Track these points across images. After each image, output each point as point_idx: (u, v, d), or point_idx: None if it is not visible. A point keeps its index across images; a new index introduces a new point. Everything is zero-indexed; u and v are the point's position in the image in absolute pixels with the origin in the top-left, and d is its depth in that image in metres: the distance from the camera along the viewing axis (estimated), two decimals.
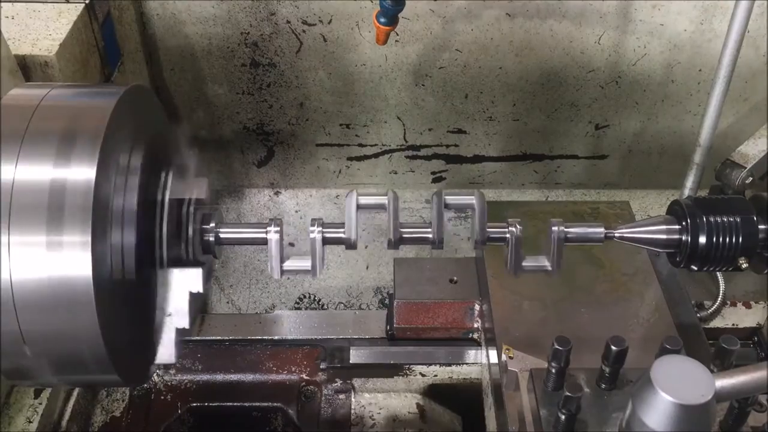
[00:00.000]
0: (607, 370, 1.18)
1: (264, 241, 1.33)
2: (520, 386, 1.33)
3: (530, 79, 2.50)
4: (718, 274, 2.04)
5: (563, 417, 1.10)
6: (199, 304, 1.37)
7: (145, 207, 1.23)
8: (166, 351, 1.25)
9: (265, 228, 1.33)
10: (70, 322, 1.06)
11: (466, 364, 2.00)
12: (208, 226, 1.33)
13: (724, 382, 0.93)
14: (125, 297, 1.17)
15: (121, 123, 1.15)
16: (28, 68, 1.84)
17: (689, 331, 1.77)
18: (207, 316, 2.15)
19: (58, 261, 1.03)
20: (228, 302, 2.67)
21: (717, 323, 2.04)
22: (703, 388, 0.92)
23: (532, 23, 2.36)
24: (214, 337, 2.09)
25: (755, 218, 1.32)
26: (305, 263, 1.31)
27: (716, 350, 1.16)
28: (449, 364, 2.01)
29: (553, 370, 1.20)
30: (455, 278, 2.05)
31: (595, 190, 2.83)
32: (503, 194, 2.82)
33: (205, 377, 2.05)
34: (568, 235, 1.32)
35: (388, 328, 2.03)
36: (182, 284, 1.29)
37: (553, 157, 2.73)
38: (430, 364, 2.01)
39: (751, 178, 1.97)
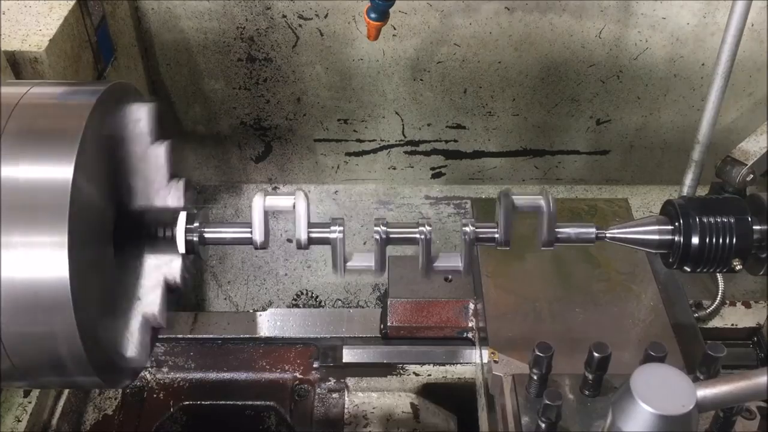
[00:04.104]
0: (590, 376, 1.15)
1: (249, 241, 1.31)
2: (504, 391, 1.30)
3: (530, 74, 2.47)
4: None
5: (543, 425, 1.08)
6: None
7: (126, 207, 1.21)
8: (136, 352, 1.22)
9: (250, 227, 1.30)
10: (48, 324, 1.04)
11: (461, 363, 1.97)
12: (191, 226, 1.29)
13: (707, 391, 0.90)
14: (105, 298, 1.15)
15: (101, 121, 1.13)
16: (18, 64, 1.83)
17: (686, 332, 1.73)
18: (200, 314, 2.13)
19: (35, 262, 1.01)
20: (225, 298, 2.67)
21: (716, 323, 2.00)
22: (684, 398, 0.89)
23: (531, 17, 2.33)
24: (206, 336, 2.08)
25: (749, 219, 1.28)
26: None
27: (702, 357, 1.14)
28: (443, 364, 1.98)
29: (535, 377, 1.17)
30: (450, 277, 2.03)
31: (597, 185, 2.79)
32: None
33: (198, 375, 2.03)
34: (559, 235, 1.27)
35: (382, 326, 2.01)
36: (158, 271, 1.27)
37: (554, 152, 2.70)
38: (424, 364, 1.99)
39: (752, 176, 1.93)
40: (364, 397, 2.00)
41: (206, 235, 1.31)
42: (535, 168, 2.75)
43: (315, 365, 2.03)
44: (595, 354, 1.12)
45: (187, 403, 2.00)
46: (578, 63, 2.44)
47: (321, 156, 2.72)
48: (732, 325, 2.00)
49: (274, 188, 2.80)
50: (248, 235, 1.30)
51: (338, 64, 2.46)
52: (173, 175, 1.28)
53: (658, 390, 0.90)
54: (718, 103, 1.91)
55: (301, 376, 2.03)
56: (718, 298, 1.99)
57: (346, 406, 1.98)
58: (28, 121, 1.09)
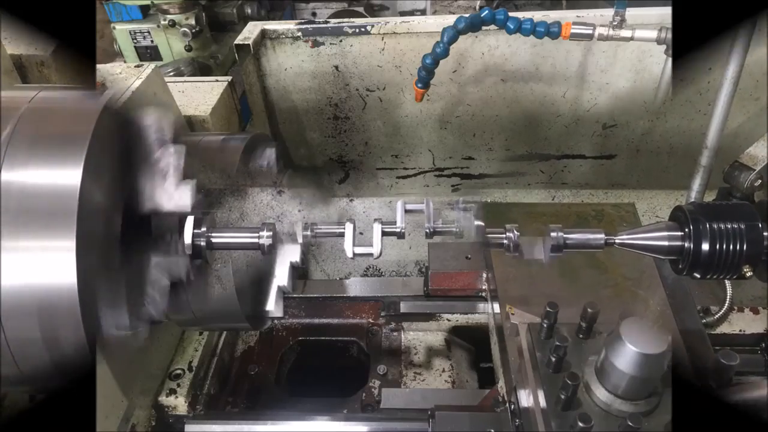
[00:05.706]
0: (584, 325, 1.05)
1: (256, 246, 0.94)
2: (520, 333, 1.20)
3: (517, 123, 2.34)
4: None
5: (554, 358, 0.98)
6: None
7: (134, 212, 0.88)
8: (274, 308, 1.14)
9: (258, 232, 0.94)
10: (55, 329, 0.74)
11: (478, 313, 1.89)
12: (199, 230, 0.91)
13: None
14: (112, 302, 0.83)
15: (109, 127, 0.81)
16: (191, 123, 1.80)
17: (694, 338, 1.27)
18: (307, 282, 2.09)
19: (43, 266, 0.71)
20: (321, 270, 2.61)
21: (724, 329, 1.46)
22: (660, 344, 0.79)
23: (518, 85, 2.21)
24: (312, 295, 2.04)
25: (760, 225, 0.90)
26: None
27: (714, 365, 0.87)
28: (466, 313, 1.91)
29: (545, 325, 1.07)
30: (469, 256, 1.94)
31: (603, 190, 2.11)
32: (509, 194, 2.28)
33: (307, 320, 1.99)
34: (568, 241, 0.96)
35: (425, 289, 1.94)
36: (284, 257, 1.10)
37: (560, 156, 2.09)
38: (454, 313, 1.91)
39: (760, 181, 1.37)
40: (414, 335, 1.93)
41: (214, 240, 0.94)
42: (541, 172, 2.19)
43: (382, 314, 1.97)
44: (589, 310, 1.02)
45: (300, 338, 1.96)
46: (549, 114, 2.30)
47: (380, 179, 2.65)
48: (740, 331, 1.48)
49: (351, 200, 2.74)
50: (255, 240, 0.95)
51: (392, 120, 2.38)
52: (184, 178, 0.92)
53: (641, 335, 0.80)
54: (726, 108, 1.36)
55: (372, 321, 1.97)
56: (726, 304, 1.48)
57: (402, 341, 1.91)
58: (37, 125, 0.78)
